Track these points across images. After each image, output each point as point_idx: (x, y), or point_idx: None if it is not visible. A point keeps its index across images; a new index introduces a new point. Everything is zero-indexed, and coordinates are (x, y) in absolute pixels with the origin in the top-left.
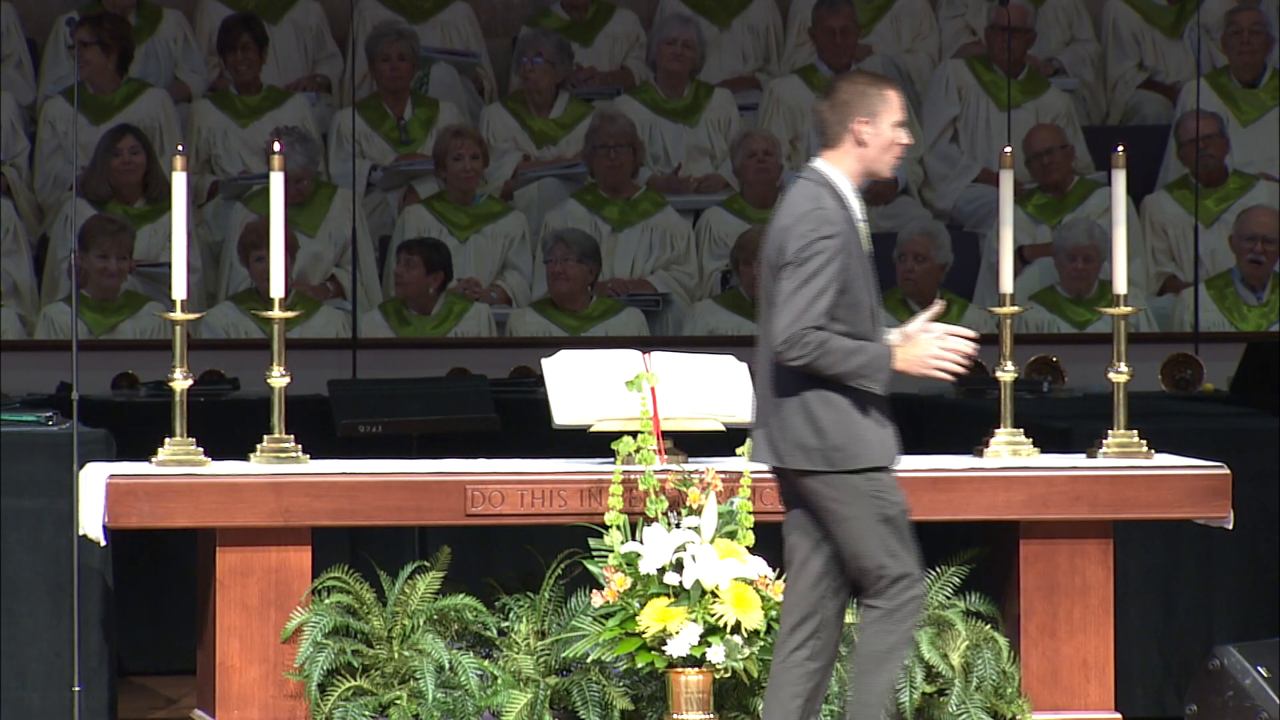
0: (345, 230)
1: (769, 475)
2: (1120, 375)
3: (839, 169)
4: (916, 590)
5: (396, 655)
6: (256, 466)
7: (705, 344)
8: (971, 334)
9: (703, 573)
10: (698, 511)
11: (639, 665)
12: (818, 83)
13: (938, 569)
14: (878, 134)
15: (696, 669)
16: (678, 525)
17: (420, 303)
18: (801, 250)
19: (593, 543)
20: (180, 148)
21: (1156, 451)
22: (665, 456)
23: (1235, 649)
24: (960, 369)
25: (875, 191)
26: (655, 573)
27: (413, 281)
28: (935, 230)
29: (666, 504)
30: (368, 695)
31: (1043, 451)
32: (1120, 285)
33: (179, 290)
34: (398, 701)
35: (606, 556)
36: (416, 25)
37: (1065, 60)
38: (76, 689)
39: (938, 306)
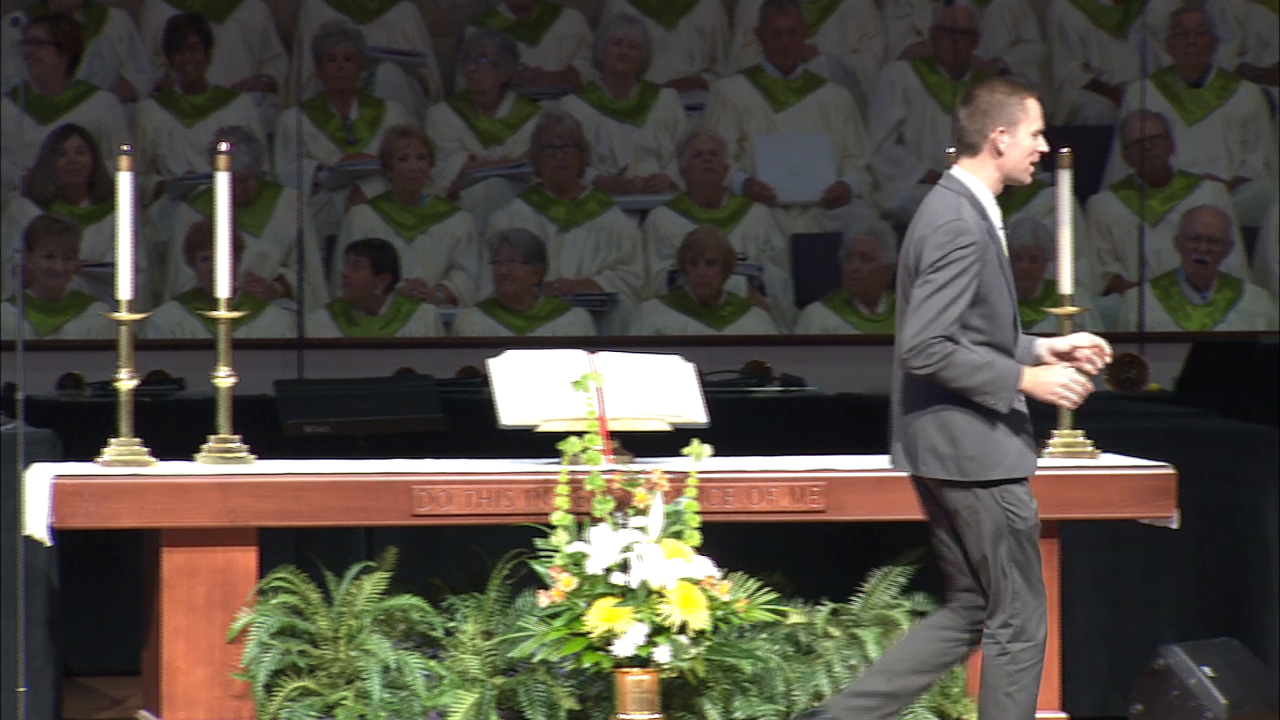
0: (291, 230)
1: (715, 475)
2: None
3: (977, 177)
4: (1033, 638)
5: (342, 655)
6: (202, 467)
7: (652, 344)
8: (1109, 355)
9: (649, 573)
10: (644, 511)
11: (585, 665)
12: (764, 83)
13: (884, 569)
14: (1016, 143)
15: (643, 669)
16: (624, 525)
17: (367, 304)
18: (938, 260)
19: (539, 543)
20: (126, 147)
21: (1102, 451)
22: (612, 456)
23: (1180, 649)
24: (1082, 400)
25: (832, 197)
26: (602, 573)
27: (360, 283)
28: (882, 231)
29: (613, 504)
30: (314, 695)
31: None
32: (1065, 285)
33: (124, 290)
34: (344, 702)
35: (553, 557)
36: (362, 25)
37: (1010, 61)
38: (22, 689)
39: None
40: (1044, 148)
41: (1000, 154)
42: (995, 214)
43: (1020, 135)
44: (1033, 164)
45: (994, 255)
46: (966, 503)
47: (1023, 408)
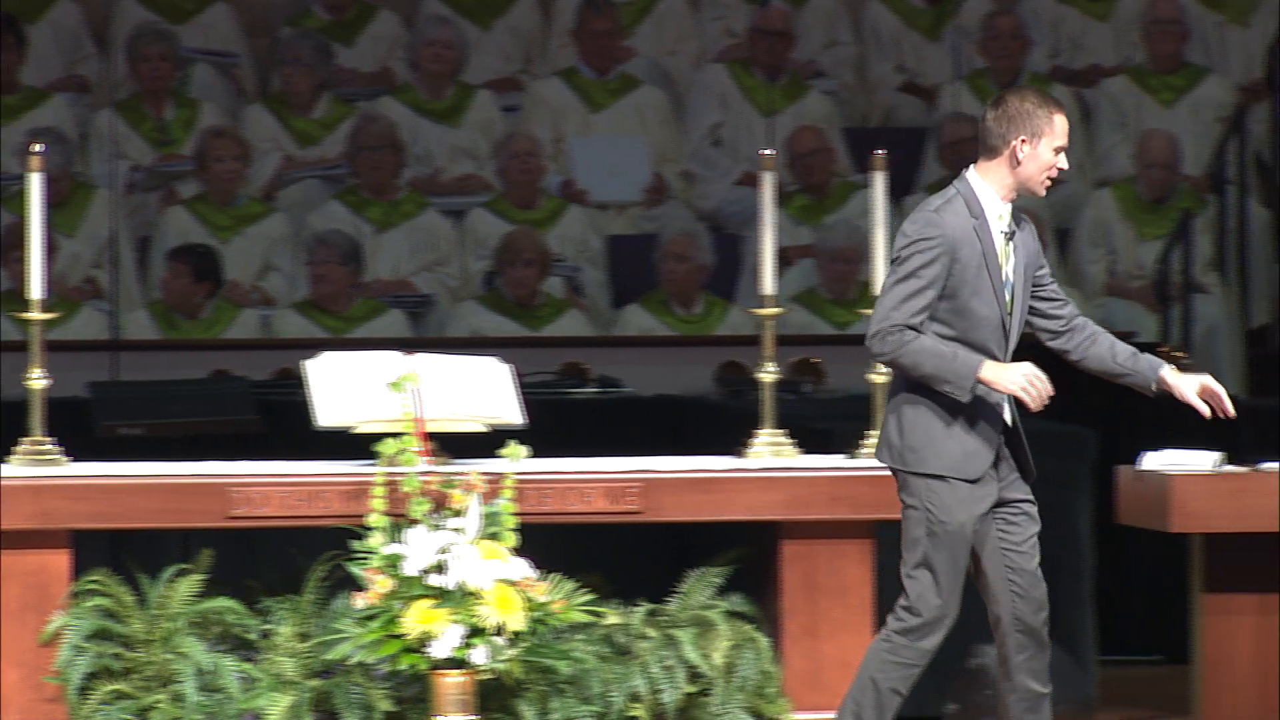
0: (103, 231)
1: (532, 477)
2: (879, 376)
3: (986, 181)
4: (919, 641)
5: (157, 658)
6: (15, 469)
7: (468, 345)
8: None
9: (466, 574)
10: (461, 513)
11: (402, 667)
12: (580, 84)
13: (701, 569)
14: (1035, 155)
15: (459, 670)
16: (441, 527)
17: (188, 310)
18: (903, 249)
19: (355, 545)
20: (39, 147)
21: None
22: (428, 458)
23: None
24: (1042, 398)
25: (650, 198)
26: (418, 574)
27: (180, 290)
28: (697, 232)
29: (430, 505)
30: (128, 698)
31: (804, 452)
32: (880, 287)
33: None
34: (158, 705)
35: (369, 558)
36: (177, 26)
37: (825, 63)
38: None
39: None
40: (1064, 165)
41: (1018, 163)
42: (998, 218)
43: (1041, 148)
44: (1050, 178)
45: (975, 255)
46: (902, 493)
47: (1008, 418)
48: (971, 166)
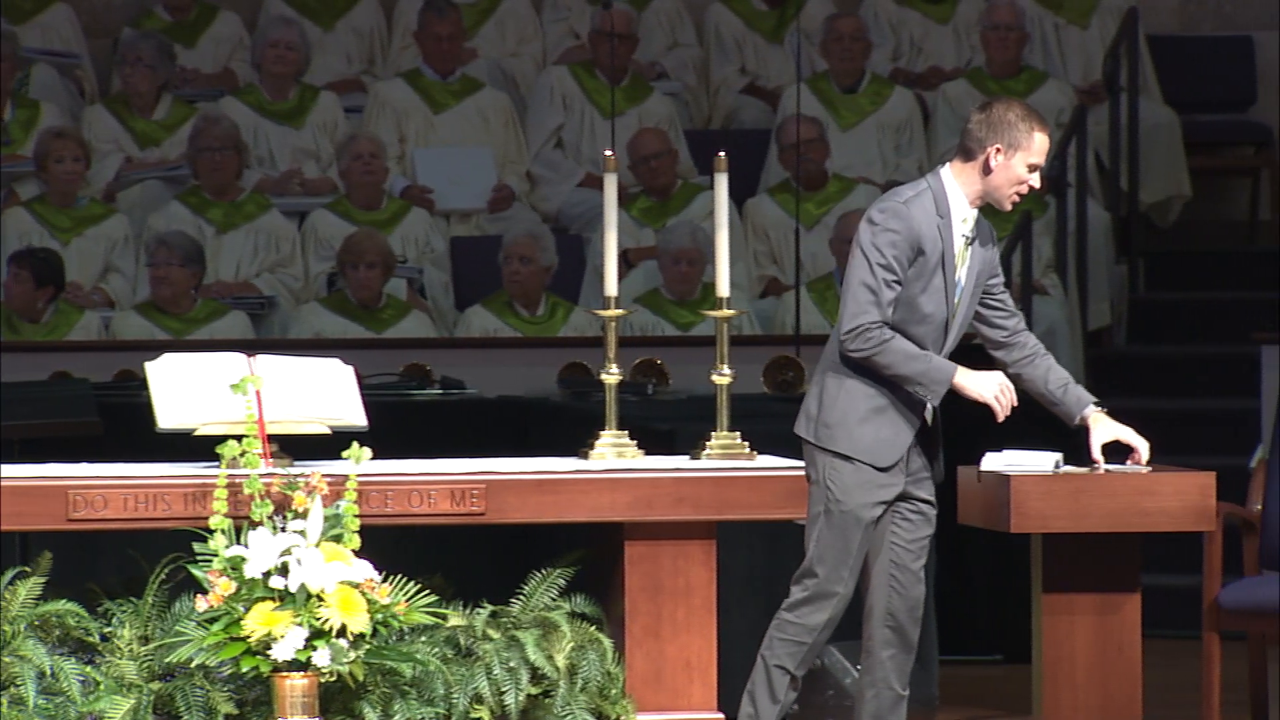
0: None
1: (375, 478)
2: (723, 378)
3: (958, 182)
4: (805, 618)
5: None
6: None
7: (311, 347)
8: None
9: (308, 576)
10: (303, 515)
11: (244, 669)
12: (423, 86)
13: (544, 571)
14: (1007, 166)
15: (302, 673)
16: (283, 529)
17: (29, 314)
18: (872, 239)
19: (197, 547)
20: None
21: (759, 453)
22: (270, 460)
23: (835, 649)
24: (1008, 411)
25: (495, 202)
26: (260, 576)
27: (21, 294)
28: (540, 233)
29: (272, 507)
30: None
31: (647, 453)
32: (723, 288)
33: None
34: None
35: (211, 560)
36: (16, 26)
37: (668, 65)
38: None
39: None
40: (1036, 184)
41: (989, 170)
42: (962, 220)
43: (1015, 161)
44: (1019, 195)
45: (935, 253)
46: (809, 464)
47: (929, 415)
48: (947, 164)
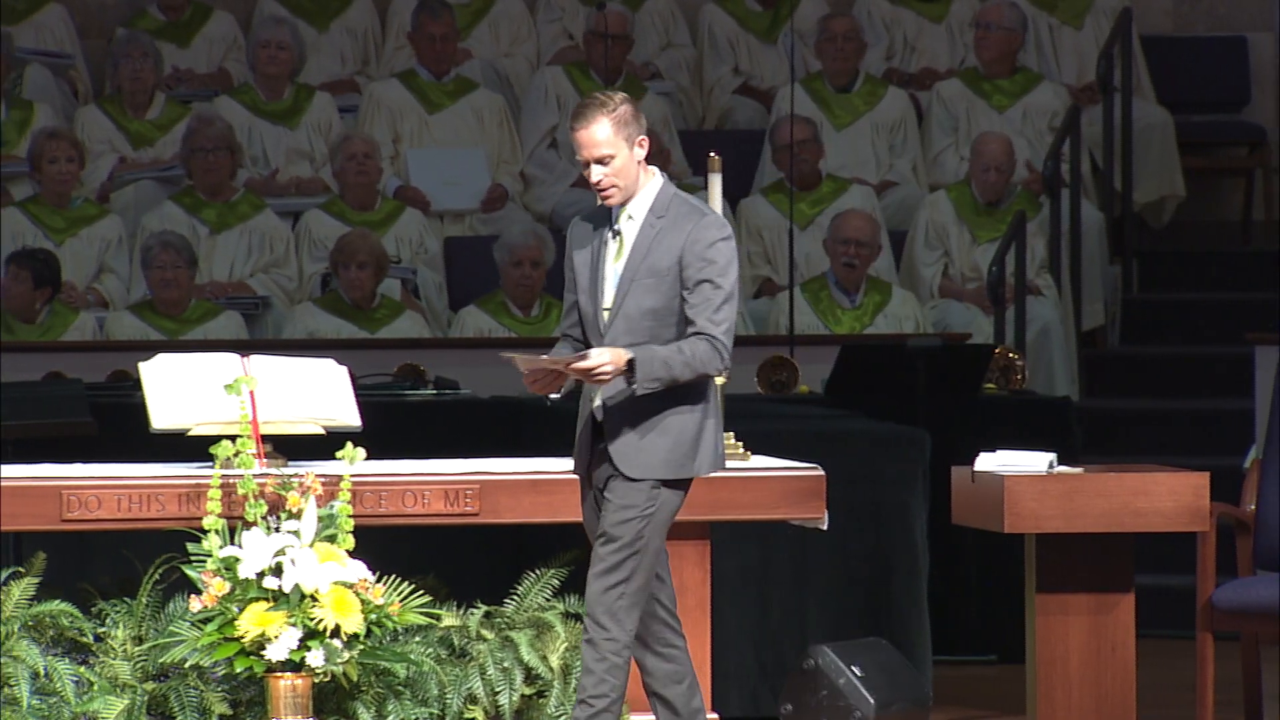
0: None
1: (369, 479)
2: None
3: None
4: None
5: None
6: None
7: (305, 347)
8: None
9: (302, 577)
10: (297, 515)
11: (238, 670)
12: (417, 86)
13: (538, 571)
14: None
15: (296, 673)
16: (277, 529)
17: (26, 315)
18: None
19: (191, 547)
20: None
21: (753, 453)
22: (264, 460)
23: (829, 649)
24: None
25: (489, 203)
26: (254, 577)
27: (18, 295)
28: (544, 235)
29: (266, 508)
30: None
31: None
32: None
33: None
34: None
35: (205, 561)
36: (10, 27)
37: (662, 65)
38: None
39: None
40: (590, 177)
41: None
42: (623, 215)
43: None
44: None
45: (586, 250)
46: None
47: (598, 415)
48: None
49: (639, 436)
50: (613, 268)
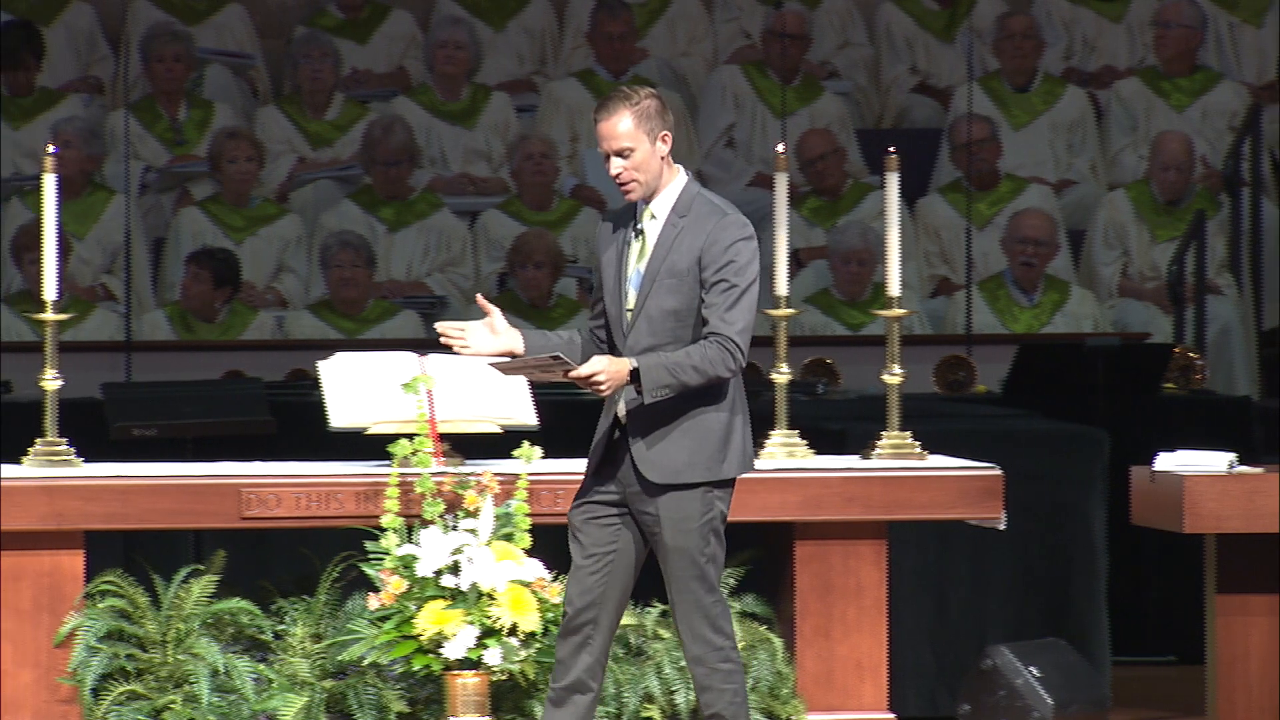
0: (116, 236)
1: (545, 477)
2: (894, 377)
3: None
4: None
5: (171, 659)
6: (29, 470)
7: None
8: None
9: (479, 575)
10: (474, 514)
11: (415, 668)
12: (596, 86)
13: None
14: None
15: (473, 671)
16: (454, 528)
17: (206, 314)
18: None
19: (369, 545)
20: (52, 148)
21: (930, 453)
22: (442, 459)
23: (1008, 649)
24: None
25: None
26: (432, 575)
27: (199, 294)
28: None
29: (443, 506)
30: (142, 700)
31: (817, 453)
32: (894, 288)
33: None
34: (172, 706)
35: (383, 559)
36: (191, 27)
37: (839, 64)
38: None
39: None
40: (609, 170)
41: None
42: (648, 216)
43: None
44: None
45: (610, 251)
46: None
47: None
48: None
49: (661, 439)
50: (635, 268)
